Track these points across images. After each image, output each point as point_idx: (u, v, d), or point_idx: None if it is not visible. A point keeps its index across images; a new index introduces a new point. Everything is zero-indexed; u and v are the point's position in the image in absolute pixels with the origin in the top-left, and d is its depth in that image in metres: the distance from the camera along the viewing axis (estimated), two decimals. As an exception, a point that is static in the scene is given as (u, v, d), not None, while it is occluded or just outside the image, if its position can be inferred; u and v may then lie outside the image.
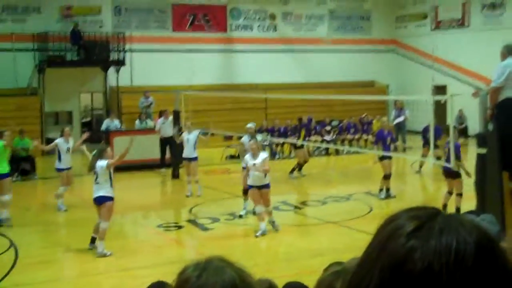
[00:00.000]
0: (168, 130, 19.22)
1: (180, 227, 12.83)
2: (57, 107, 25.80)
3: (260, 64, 28.88)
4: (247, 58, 29.13)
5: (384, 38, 32.46)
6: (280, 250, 11.32)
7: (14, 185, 18.38)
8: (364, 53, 31.50)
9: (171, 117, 19.52)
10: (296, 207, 14.28)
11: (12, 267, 10.12)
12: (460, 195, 12.36)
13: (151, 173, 19.37)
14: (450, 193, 12.59)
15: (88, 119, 27.78)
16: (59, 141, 14.42)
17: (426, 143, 16.62)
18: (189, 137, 15.64)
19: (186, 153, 15.64)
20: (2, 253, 10.85)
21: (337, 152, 22.94)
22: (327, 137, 23.45)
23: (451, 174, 12.19)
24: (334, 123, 25.45)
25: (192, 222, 12.92)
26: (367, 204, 14.32)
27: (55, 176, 20.15)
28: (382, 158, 14.65)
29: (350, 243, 11.23)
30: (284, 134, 22.90)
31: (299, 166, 18.27)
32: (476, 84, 25.62)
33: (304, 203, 14.56)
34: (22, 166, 19.14)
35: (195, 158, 15.59)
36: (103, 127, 21.54)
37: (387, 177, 14.69)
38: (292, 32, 30.60)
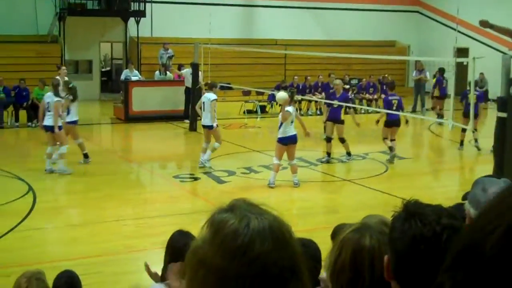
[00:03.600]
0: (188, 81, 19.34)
1: (196, 178, 12.93)
2: (77, 56, 25.86)
3: (280, 20, 28.63)
4: (268, 13, 28.87)
5: (407, -2, 32.02)
6: (295, 205, 11.41)
7: (32, 131, 18.64)
8: (386, 12, 31.08)
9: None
10: (312, 163, 14.32)
11: (30, 211, 10.29)
12: None
13: (170, 124, 19.50)
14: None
15: (108, 68, 27.85)
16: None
17: (467, 113, 15.42)
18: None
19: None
20: (20, 197, 11.02)
21: (354, 111, 22.84)
22: (346, 96, 23.32)
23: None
24: (354, 81, 25.30)
25: (208, 174, 13.02)
26: (383, 164, 14.34)
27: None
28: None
29: (365, 201, 11.29)
30: (302, 91, 22.81)
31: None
32: (499, 48, 25.31)
33: (320, 160, 14.59)
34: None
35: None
36: (122, 77, 21.57)
37: (340, 140, 14.48)
38: (314, -12, 30.22)
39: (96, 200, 11.17)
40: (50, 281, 4.58)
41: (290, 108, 11.89)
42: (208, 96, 13.30)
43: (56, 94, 12.82)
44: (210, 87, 13.66)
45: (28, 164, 13.86)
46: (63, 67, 17.11)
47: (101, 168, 13.56)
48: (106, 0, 25.08)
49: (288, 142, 11.82)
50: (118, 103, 21.01)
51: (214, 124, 13.28)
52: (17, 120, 19.12)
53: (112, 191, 11.89)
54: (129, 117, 19.72)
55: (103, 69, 27.40)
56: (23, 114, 19.34)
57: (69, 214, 10.36)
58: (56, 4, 24.98)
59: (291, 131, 11.82)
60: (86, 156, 13.73)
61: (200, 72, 19.20)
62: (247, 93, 22.99)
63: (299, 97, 22.12)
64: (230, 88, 23.63)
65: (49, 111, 12.72)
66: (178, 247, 4.29)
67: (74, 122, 13.40)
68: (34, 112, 19.21)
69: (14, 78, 20.17)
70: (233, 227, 1.37)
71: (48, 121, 12.72)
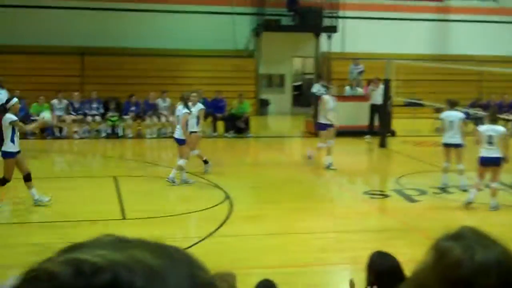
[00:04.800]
0: (378, 97, 19.17)
1: (386, 196, 12.81)
2: (270, 70, 26.75)
3: (476, 35, 27.56)
4: (462, 28, 27.93)
5: None
6: (492, 230, 10.88)
7: (229, 141, 19.59)
8: None
9: (381, 86, 19.38)
10: (509, 186, 13.60)
11: (227, 218, 10.77)
12: None
13: (359, 140, 19.51)
14: None
15: (299, 83, 28.48)
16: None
17: None
18: (192, 111, 13.40)
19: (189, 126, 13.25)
20: (218, 204, 11.59)
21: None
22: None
23: None
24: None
25: (399, 192, 12.85)
26: None
27: (267, 136, 21.15)
28: None
29: None
30: (499, 109, 21.74)
31: None
32: None
33: (518, 183, 13.79)
34: (238, 124, 20.20)
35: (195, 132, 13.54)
36: (313, 90, 21.98)
37: None
38: (513, 2, 28.77)
39: (289, 211, 11.46)
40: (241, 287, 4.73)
41: (484, 127, 11.41)
42: (455, 114, 12.77)
43: (186, 106, 13.17)
44: (452, 104, 13.01)
45: (224, 173, 14.52)
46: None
47: (292, 181, 13.89)
48: (299, 16, 25.73)
49: (486, 163, 11.29)
50: (309, 117, 21.39)
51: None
52: (214, 130, 20.22)
53: (303, 204, 12.13)
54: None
55: (294, 83, 28.07)
56: (220, 124, 20.44)
57: (261, 223, 10.68)
58: (252, 20, 26.06)
59: (489, 151, 11.27)
60: (206, 162, 14.02)
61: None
62: (438, 110, 22.36)
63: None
64: (421, 105, 23.13)
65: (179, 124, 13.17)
66: (381, 269, 4.30)
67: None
68: (231, 123, 20.24)
69: (212, 91, 21.33)
70: (457, 257, 1.36)
71: (178, 133, 13.19)
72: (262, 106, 25.75)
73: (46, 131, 18.81)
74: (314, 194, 13.09)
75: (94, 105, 20.03)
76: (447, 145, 12.85)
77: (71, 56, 24.04)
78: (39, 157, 16.14)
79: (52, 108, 19.23)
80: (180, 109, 13.19)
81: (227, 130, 20.21)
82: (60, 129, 19.16)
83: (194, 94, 13.76)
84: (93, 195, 12.16)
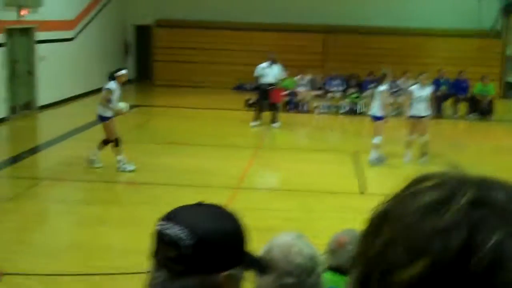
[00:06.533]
0: None
1: None
2: (518, 52, 25.22)
3: None
4: None
5: None
6: None
7: (471, 124, 18.96)
8: None
9: None
10: None
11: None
12: None
13: None
14: None
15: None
16: None
17: None
18: (422, 94, 13.10)
19: (417, 110, 13.08)
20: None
21: None
22: None
23: None
24: None
25: None
26: None
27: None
28: None
29: None
30: None
31: None
32: None
33: None
34: (481, 106, 19.43)
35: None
36: None
37: None
38: None
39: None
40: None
41: None
42: None
43: (380, 84, 12.97)
44: None
45: (463, 157, 14.08)
46: None
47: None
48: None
49: None
50: None
51: None
52: (456, 111, 19.67)
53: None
54: None
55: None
56: (462, 105, 19.82)
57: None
58: (502, -1, 24.75)
59: None
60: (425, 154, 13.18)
61: None
62: None
63: None
64: None
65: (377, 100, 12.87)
66: None
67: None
68: (473, 105, 19.56)
69: (454, 71, 20.72)
70: None
71: (374, 110, 12.87)
72: (508, 89, 24.42)
73: (289, 105, 19.74)
74: None
75: (335, 82, 20.55)
76: None
77: (314, 34, 24.77)
78: (282, 128, 17.02)
79: (296, 84, 20.18)
80: (380, 86, 13.06)
81: (469, 112, 19.56)
82: (303, 104, 19.95)
83: (423, 75, 13.51)
84: (332, 168, 12.58)
